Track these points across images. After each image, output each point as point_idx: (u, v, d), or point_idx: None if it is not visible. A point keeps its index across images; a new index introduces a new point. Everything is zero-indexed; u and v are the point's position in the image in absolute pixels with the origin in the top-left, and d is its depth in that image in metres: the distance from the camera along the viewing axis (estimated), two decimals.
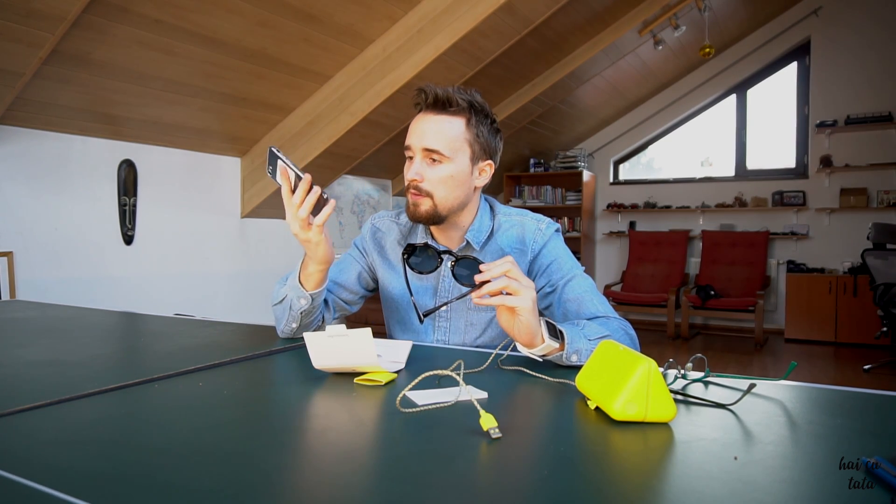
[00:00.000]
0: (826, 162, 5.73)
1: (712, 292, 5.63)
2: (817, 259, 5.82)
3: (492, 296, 0.92)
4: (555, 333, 0.95)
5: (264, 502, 0.47)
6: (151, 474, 0.53)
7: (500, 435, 0.62)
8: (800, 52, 6.06)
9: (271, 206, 4.19)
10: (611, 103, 6.27)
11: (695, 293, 5.69)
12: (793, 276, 5.63)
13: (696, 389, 0.84)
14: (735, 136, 6.40)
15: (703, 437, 0.64)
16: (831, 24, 5.76)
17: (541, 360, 0.97)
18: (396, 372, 0.92)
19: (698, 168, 6.64)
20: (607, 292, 5.97)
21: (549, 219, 1.26)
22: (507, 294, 0.91)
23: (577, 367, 0.86)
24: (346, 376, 0.89)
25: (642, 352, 0.78)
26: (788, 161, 6.19)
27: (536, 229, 1.22)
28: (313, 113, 3.75)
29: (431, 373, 0.79)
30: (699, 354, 0.90)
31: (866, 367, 4.49)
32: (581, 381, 0.78)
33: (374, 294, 1.38)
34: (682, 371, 0.89)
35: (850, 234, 5.64)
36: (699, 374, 0.89)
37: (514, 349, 0.98)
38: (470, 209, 1.22)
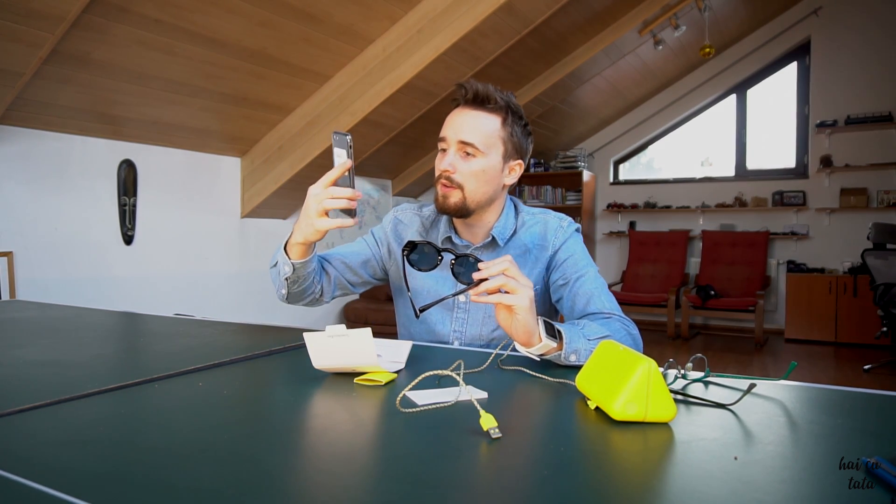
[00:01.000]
0: (826, 162, 5.73)
1: (712, 292, 5.63)
2: (817, 259, 5.82)
3: (490, 293, 0.93)
4: (553, 333, 0.95)
5: (264, 502, 0.47)
6: (151, 474, 0.53)
7: (500, 435, 0.62)
8: (800, 52, 6.06)
9: (271, 207, 4.20)
10: (611, 103, 6.27)
11: (695, 293, 5.69)
12: (793, 276, 5.63)
13: (696, 389, 0.84)
14: (735, 136, 6.40)
15: (703, 437, 0.64)
16: (831, 24, 5.76)
17: (538, 359, 0.97)
18: (396, 372, 0.92)
19: (698, 168, 6.64)
20: None
21: (570, 218, 1.29)
22: (505, 292, 0.92)
23: (577, 367, 0.86)
24: (346, 376, 0.89)
25: (643, 352, 0.78)
26: (788, 161, 6.19)
27: (558, 227, 1.26)
28: (313, 113, 3.75)
29: (431, 373, 0.79)
30: (699, 354, 0.90)
31: (866, 367, 4.49)
32: (581, 381, 0.78)
33: (380, 283, 1.38)
34: (682, 371, 0.89)
35: (850, 234, 5.63)
36: (699, 374, 0.89)
37: (515, 349, 0.98)
38: (496, 206, 1.25)
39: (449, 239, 1.28)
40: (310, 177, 3.94)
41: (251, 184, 4.08)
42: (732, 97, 6.39)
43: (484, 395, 0.79)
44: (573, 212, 6.64)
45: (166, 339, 1.26)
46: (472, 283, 0.95)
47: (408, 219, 1.34)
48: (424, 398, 0.76)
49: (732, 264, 5.95)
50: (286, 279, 1.18)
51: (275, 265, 1.20)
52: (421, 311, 1.07)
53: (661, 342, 5.61)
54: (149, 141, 3.50)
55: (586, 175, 6.53)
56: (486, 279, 0.93)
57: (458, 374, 0.75)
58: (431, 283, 1.26)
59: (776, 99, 6.28)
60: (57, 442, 0.61)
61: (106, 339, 1.31)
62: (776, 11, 5.88)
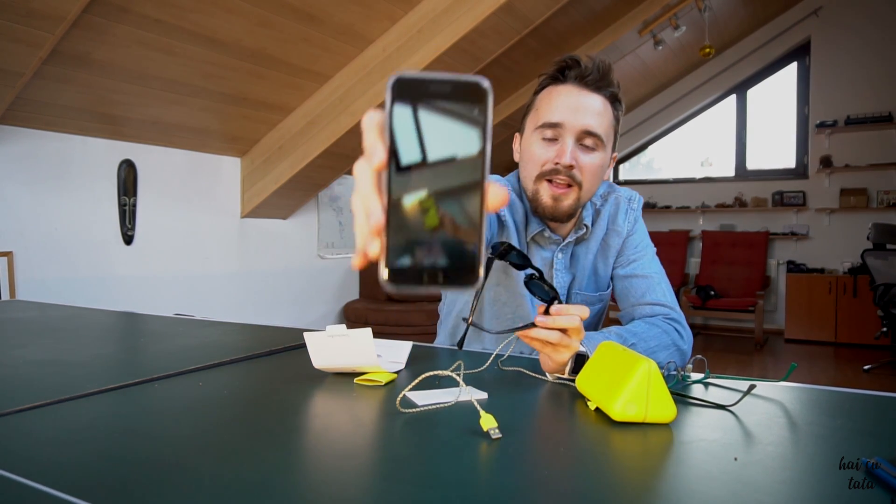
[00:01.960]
0: (826, 162, 5.74)
1: (712, 292, 5.63)
2: (817, 259, 5.82)
3: (543, 340, 0.83)
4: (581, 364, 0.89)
5: (264, 502, 0.47)
6: (151, 474, 0.53)
7: (500, 435, 0.62)
8: (800, 53, 6.06)
9: (271, 207, 4.19)
10: None
11: (695, 293, 5.69)
12: (793, 276, 5.63)
13: (697, 390, 0.84)
14: (735, 137, 6.40)
15: (703, 437, 0.64)
16: (831, 24, 5.76)
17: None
18: (396, 372, 0.92)
19: (698, 168, 6.64)
20: None
21: (633, 192, 1.18)
22: (553, 344, 0.83)
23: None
24: (346, 376, 0.89)
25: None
26: (788, 161, 6.19)
27: (628, 208, 1.15)
28: (313, 113, 3.75)
29: (431, 373, 0.79)
30: (699, 356, 0.90)
31: (866, 367, 4.49)
32: (581, 382, 0.78)
33: None
34: (683, 372, 0.89)
35: (850, 234, 5.64)
36: (699, 375, 0.89)
37: (515, 350, 0.97)
38: None
39: (542, 233, 1.10)
40: (310, 177, 3.95)
41: (251, 184, 4.08)
42: (732, 97, 6.40)
43: (484, 395, 0.79)
44: None
45: (166, 339, 1.26)
46: (530, 325, 0.84)
47: (513, 200, 1.12)
48: (424, 398, 0.76)
49: (732, 264, 5.95)
50: None
51: None
52: (458, 344, 0.99)
53: None
54: (149, 141, 3.50)
55: None
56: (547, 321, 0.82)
57: (459, 375, 0.75)
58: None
59: (776, 99, 6.28)
60: (57, 442, 0.61)
61: (106, 339, 1.31)
62: (776, 12, 5.88)
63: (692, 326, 6.22)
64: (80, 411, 0.71)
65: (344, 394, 0.81)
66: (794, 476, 0.54)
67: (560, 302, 0.84)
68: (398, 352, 1.03)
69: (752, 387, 0.79)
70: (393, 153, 0.36)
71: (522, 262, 0.87)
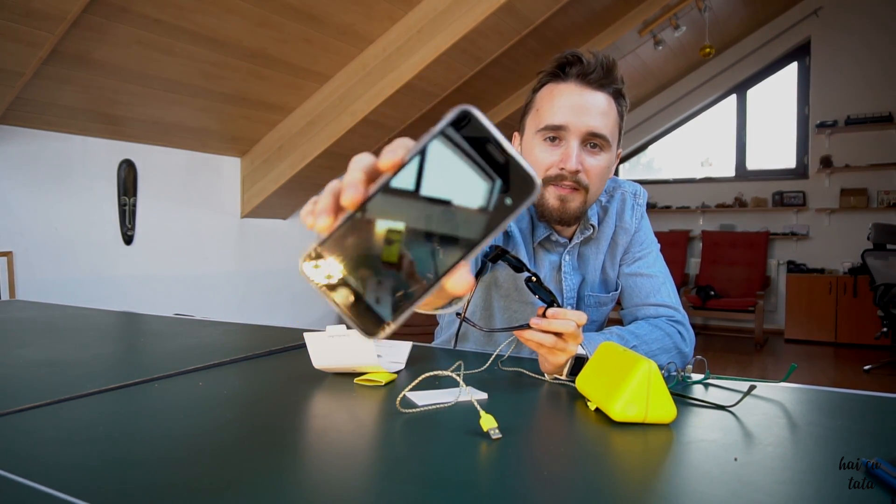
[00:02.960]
0: (826, 162, 5.74)
1: (712, 292, 5.63)
2: (817, 259, 5.82)
3: (538, 342, 0.82)
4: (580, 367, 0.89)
5: (264, 502, 0.47)
6: (152, 474, 0.53)
7: (500, 435, 0.62)
8: (800, 53, 6.06)
9: (271, 207, 4.20)
10: None
11: (695, 293, 5.69)
12: (793, 276, 5.63)
13: (697, 391, 0.84)
14: (735, 137, 6.40)
15: (703, 438, 0.64)
16: (831, 24, 5.76)
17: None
18: (396, 372, 0.92)
19: (698, 168, 6.64)
20: None
21: (637, 185, 1.15)
22: (548, 347, 0.83)
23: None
24: (346, 376, 0.89)
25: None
26: (788, 161, 6.19)
27: (634, 204, 1.13)
28: (313, 113, 3.75)
29: (431, 373, 0.79)
30: (699, 356, 0.90)
31: (866, 367, 4.50)
32: (581, 382, 0.78)
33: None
34: (683, 372, 0.89)
35: (850, 234, 5.64)
36: (699, 376, 0.89)
37: (515, 350, 0.97)
38: None
39: (548, 238, 1.08)
40: (310, 177, 3.95)
41: (251, 184, 4.08)
42: (732, 97, 6.40)
43: (484, 395, 0.79)
44: None
45: (166, 339, 1.26)
46: (525, 326, 0.83)
47: None
48: (424, 399, 0.76)
49: (732, 265, 5.95)
50: None
51: None
52: (460, 316, 0.96)
53: None
54: (149, 141, 3.50)
55: None
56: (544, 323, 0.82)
57: (459, 375, 0.75)
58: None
59: (776, 99, 6.29)
60: (57, 441, 0.61)
61: (106, 339, 1.31)
62: (776, 12, 5.88)
63: (692, 326, 6.19)
64: (80, 411, 0.71)
65: (344, 394, 0.81)
66: (794, 476, 0.54)
67: (558, 305, 0.83)
68: (398, 352, 1.03)
69: (752, 387, 0.79)
70: (402, 168, 0.33)
71: (518, 263, 0.85)
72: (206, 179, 3.90)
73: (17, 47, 2.31)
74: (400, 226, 0.32)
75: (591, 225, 1.07)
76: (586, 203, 0.99)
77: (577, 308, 1.11)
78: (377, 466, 0.58)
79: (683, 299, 5.67)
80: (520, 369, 0.94)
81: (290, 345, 1.12)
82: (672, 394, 0.71)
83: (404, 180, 0.32)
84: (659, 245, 1.14)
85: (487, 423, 0.63)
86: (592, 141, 0.96)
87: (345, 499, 0.49)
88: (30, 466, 0.54)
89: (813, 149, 5.90)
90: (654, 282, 1.07)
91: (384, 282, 0.33)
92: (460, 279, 0.32)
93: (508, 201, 0.31)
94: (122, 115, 3.19)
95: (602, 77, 0.95)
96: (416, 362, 1.00)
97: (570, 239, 1.09)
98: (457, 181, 0.32)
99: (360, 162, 0.33)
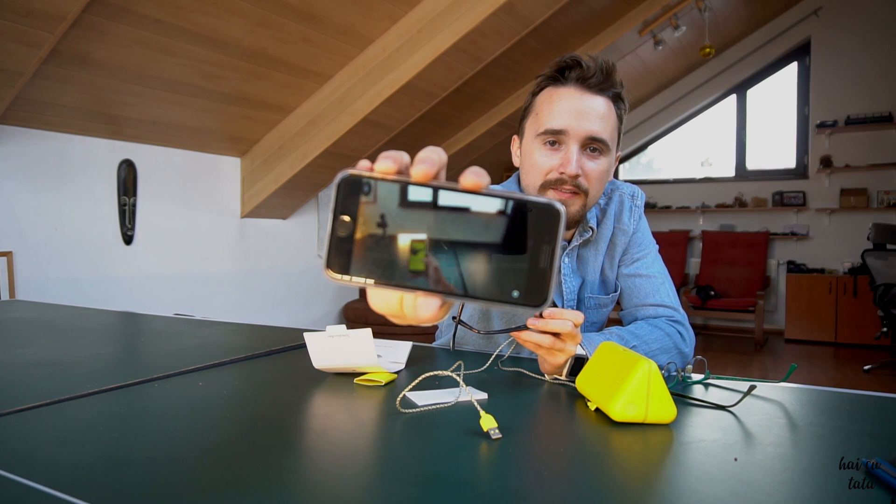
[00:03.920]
0: (826, 162, 5.74)
1: (712, 293, 5.63)
2: (817, 259, 5.82)
3: (536, 343, 0.83)
4: (580, 368, 0.89)
5: (264, 502, 0.47)
6: (151, 474, 0.53)
7: (500, 435, 0.62)
8: (800, 53, 6.06)
9: (271, 207, 4.20)
10: None
11: (695, 293, 5.69)
12: (793, 276, 5.63)
13: (697, 391, 0.84)
14: (735, 137, 6.40)
15: (703, 438, 0.64)
16: (831, 24, 5.76)
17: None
18: (396, 372, 0.92)
19: (698, 168, 6.64)
20: None
21: (634, 187, 1.16)
22: (546, 347, 0.83)
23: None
24: (346, 376, 0.89)
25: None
26: (788, 161, 6.19)
27: (632, 205, 1.13)
28: (313, 113, 3.75)
29: (431, 373, 0.79)
30: (699, 356, 0.90)
31: (866, 367, 4.50)
32: (581, 382, 0.78)
33: None
34: (683, 373, 0.89)
35: (850, 234, 5.64)
36: (699, 376, 0.89)
37: (515, 350, 0.97)
38: None
39: None
40: (309, 177, 3.95)
41: (251, 184, 4.08)
42: (732, 97, 6.40)
43: (484, 395, 0.79)
44: None
45: (166, 339, 1.26)
46: (522, 327, 0.83)
47: None
48: (424, 399, 0.76)
49: (732, 265, 5.95)
50: None
51: None
52: (455, 319, 0.96)
53: None
54: (149, 141, 3.50)
55: None
56: (541, 324, 0.82)
57: (459, 375, 0.75)
58: None
59: (776, 99, 6.29)
60: (57, 442, 0.61)
61: (106, 339, 1.31)
62: (776, 12, 5.88)
63: (692, 326, 6.20)
64: (80, 411, 0.71)
65: (344, 394, 0.81)
66: (794, 476, 0.54)
67: (555, 306, 0.83)
68: (398, 352, 1.03)
69: (752, 387, 0.79)
70: (475, 194, 0.33)
71: None
72: (206, 179, 3.90)
73: (17, 47, 2.31)
74: (423, 237, 0.34)
75: (590, 227, 1.08)
76: (586, 207, 1.00)
77: (577, 310, 1.11)
78: (377, 466, 0.58)
79: (683, 299, 5.66)
80: (520, 369, 0.94)
81: (290, 345, 1.12)
82: (672, 394, 0.71)
83: (472, 203, 0.33)
84: (657, 246, 1.15)
85: (487, 423, 0.63)
86: (592, 145, 0.96)
87: (345, 499, 0.49)
88: (30, 466, 0.54)
89: (813, 149, 5.90)
90: (653, 282, 1.08)
91: (395, 285, 0.35)
92: (426, 306, 0.33)
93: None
94: (121, 115, 3.19)
95: (601, 81, 0.96)
96: (416, 362, 1.00)
97: (570, 241, 1.10)
98: (509, 242, 0.33)
99: (439, 154, 0.34)
